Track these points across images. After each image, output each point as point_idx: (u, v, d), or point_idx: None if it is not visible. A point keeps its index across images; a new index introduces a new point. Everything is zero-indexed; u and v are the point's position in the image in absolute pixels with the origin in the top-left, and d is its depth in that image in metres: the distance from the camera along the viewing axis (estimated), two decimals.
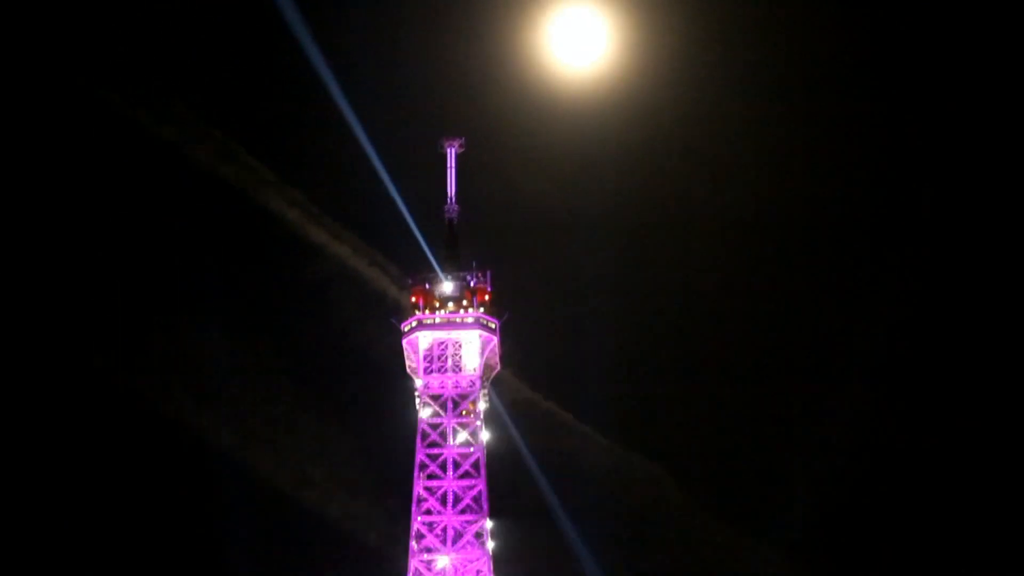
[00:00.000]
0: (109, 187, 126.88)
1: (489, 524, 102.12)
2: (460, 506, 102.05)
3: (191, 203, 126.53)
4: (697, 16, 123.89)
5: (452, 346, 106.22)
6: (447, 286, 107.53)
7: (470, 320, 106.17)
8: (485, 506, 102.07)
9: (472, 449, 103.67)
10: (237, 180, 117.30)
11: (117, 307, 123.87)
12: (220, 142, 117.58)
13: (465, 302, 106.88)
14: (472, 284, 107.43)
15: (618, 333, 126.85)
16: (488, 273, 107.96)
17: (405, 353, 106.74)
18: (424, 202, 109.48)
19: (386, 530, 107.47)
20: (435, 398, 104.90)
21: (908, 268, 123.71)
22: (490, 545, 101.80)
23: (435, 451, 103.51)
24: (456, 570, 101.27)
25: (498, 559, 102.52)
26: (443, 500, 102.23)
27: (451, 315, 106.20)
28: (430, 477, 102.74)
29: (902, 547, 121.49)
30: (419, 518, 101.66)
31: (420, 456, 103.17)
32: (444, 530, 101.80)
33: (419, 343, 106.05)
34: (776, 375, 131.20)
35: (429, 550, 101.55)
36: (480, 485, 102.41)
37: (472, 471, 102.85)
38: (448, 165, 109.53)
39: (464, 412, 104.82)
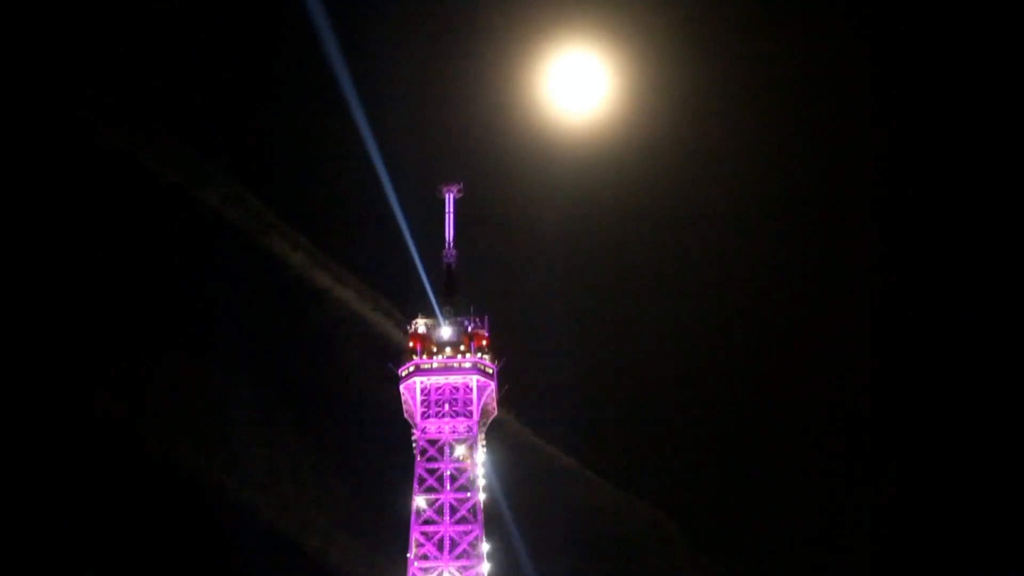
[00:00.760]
0: (115, 230, 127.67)
1: (486, 569, 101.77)
2: (457, 551, 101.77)
3: (196, 246, 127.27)
4: (696, 62, 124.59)
5: (449, 391, 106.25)
6: (445, 331, 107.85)
7: (468, 365, 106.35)
8: (482, 551, 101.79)
9: (469, 495, 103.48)
10: (242, 223, 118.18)
11: (120, 350, 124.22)
12: (225, 185, 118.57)
13: (463, 347, 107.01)
14: (470, 329, 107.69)
15: (620, 378, 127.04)
16: (486, 318, 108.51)
17: (402, 398, 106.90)
18: (428, 246, 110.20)
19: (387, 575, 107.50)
20: (432, 443, 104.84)
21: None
22: None
23: (432, 496, 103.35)
24: None
25: None
26: (439, 546, 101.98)
27: (448, 360, 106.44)
28: (427, 522, 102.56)
29: None
30: (416, 563, 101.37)
31: (416, 501, 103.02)
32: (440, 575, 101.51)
33: (416, 388, 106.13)
34: (782, 419, 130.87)
35: None
36: (477, 530, 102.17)
37: (469, 516, 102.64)
38: (446, 210, 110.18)
39: (461, 457, 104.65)
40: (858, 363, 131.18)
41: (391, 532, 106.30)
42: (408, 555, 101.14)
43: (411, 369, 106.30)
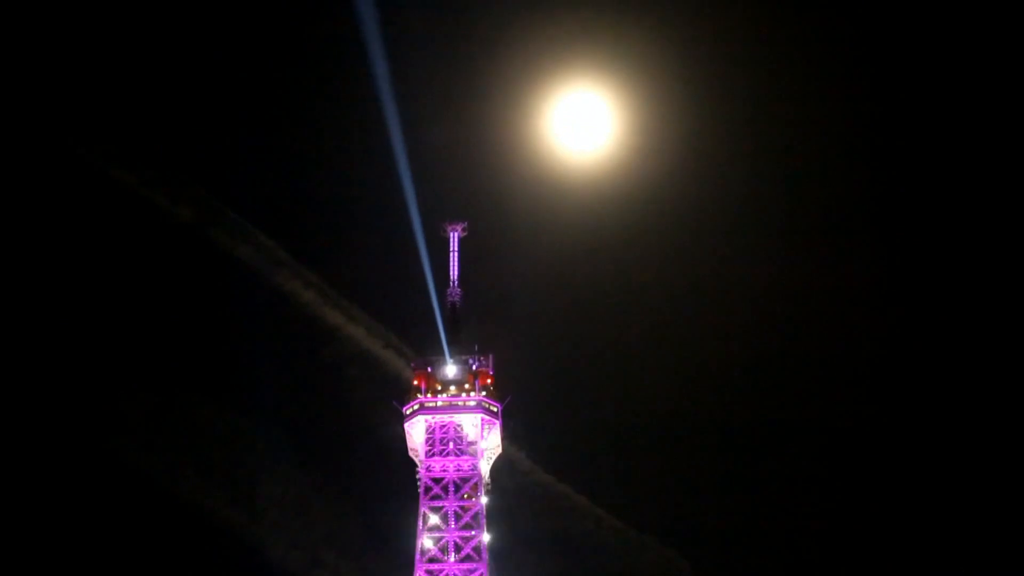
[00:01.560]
0: (125, 268, 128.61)
1: None
2: None
3: (208, 284, 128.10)
4: (699, 102, 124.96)
5: (454, 429, 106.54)
6: (450, 369, 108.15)
7: (472, 403, 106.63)
8: None
9: (474, 533, 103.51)
10: (253, 261, 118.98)
11: (131, 387, 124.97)
12: (236, 223, 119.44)
13: (467, 385, 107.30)
14: (474, 367, 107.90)
15: (629, 415, 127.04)
16: (491, 356, 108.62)
17: (407, 436, 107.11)
18: (439, 284, 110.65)
19: None
20: (437, 481, 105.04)
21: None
22: None
23: (437, 534, 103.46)
24: None
25: None
26: None
27: (453, 398, 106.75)
28: (432, 560, 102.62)
29: None
30: None
31: (421, 539, 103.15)
32: None
33: (421, 426, 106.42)
34: (795, 458, 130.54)
35: None
36: (481, 568, 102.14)
37: (474, 555, 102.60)
38: (451, 249, 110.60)
39: (466, 495, 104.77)
40: (872, 398, 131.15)
41: (399, 570, 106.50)
42: None
43: (416, 407, 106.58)
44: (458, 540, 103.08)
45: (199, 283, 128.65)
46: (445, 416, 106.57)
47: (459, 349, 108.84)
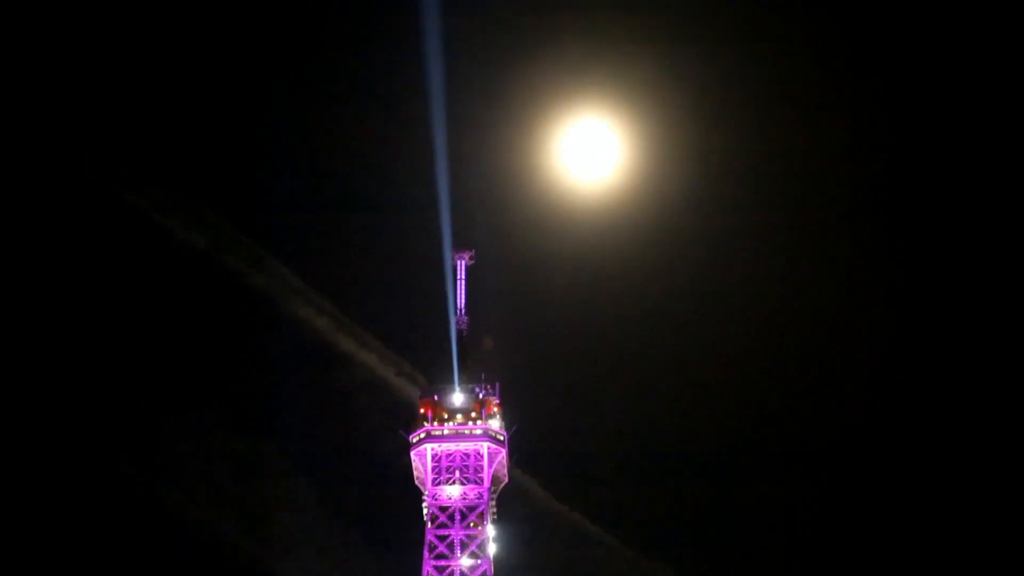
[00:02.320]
0: (139, 293, 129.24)
1: None
2: None
3: (220, 310, 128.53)
4: (707, 129, 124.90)
5: (460, 458, 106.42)
6: (456, 397, 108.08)
7: (478, 432, 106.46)
8: None
9: (480, 561, 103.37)
10: (266, 288, 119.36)
11: (143, 412, 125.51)
12: (250, 249, 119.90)
13: (474, 414, 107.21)
14: (481, 396, 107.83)
15: (642, 441, 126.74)
16: (497, 385, 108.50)
17: (413, 464, 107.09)
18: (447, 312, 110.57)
19: None
20: (443, 509, 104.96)
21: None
22: None
23: (442, 563, 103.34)
24: None
25: None
26: None
27: (459, 427, 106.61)
28: None
29: None
30: None
31: (427, 568, 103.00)
32: None
33: (427, 454, 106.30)
34: (809, 481, 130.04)
35: None
36: None
37: None
38: (458, 277, 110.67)
39: (472, 524, 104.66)
40: (879, 421, 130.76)
41: None
42: None
43: (422, 436, 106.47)
44: (464, 569, 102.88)
45: (214, 310, 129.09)
46: (451, 445, 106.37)
47: (466, 377, 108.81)
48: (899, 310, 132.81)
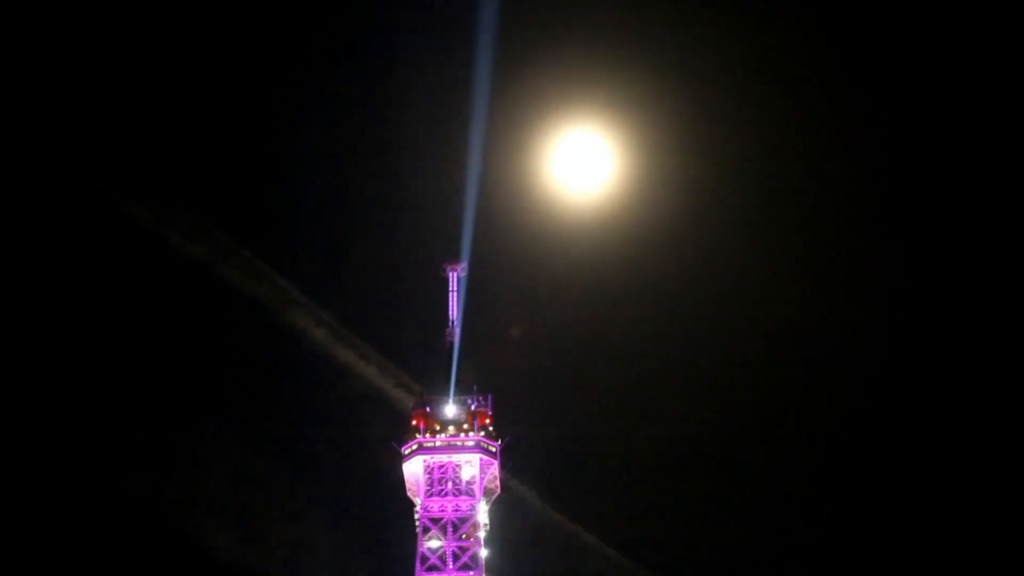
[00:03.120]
0: (138, 304, 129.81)
1: None
2: None
3: (219, 321, 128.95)
4: (700, 141, 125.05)
5: (452, 469, 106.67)
6: (449, 409, 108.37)
7: (470, 443, 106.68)
8: None
9: (472, 573, 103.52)
10: (265, 299, 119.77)
11: (143, 425, 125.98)
12: (248, 261, 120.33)
13: (466, 425, 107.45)
14: (473, 407, 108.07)
15: (639, 452, 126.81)
16: (489, 396, 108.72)
17: (405, 476, 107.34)
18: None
19: None
20: (435, 521, 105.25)
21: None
22: None
23: (435, 574, 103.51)
24: None
25: None
26: None
27: (451, 438, 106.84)
28: None
29: None
30: None
31: None
32: None
33: (419, 466, 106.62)
34: (796, 486, 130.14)
35: None
36: None
37: None
38: (450, 289, 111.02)
39: (464, 536, 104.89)
40: (872, 428, 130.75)
41: None
42: None
43: (414, 447, 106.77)
44: None
45: (213, 321, 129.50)
46: (443, 456, 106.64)
47: (459, 389, 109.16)
48: (898, 315, 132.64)
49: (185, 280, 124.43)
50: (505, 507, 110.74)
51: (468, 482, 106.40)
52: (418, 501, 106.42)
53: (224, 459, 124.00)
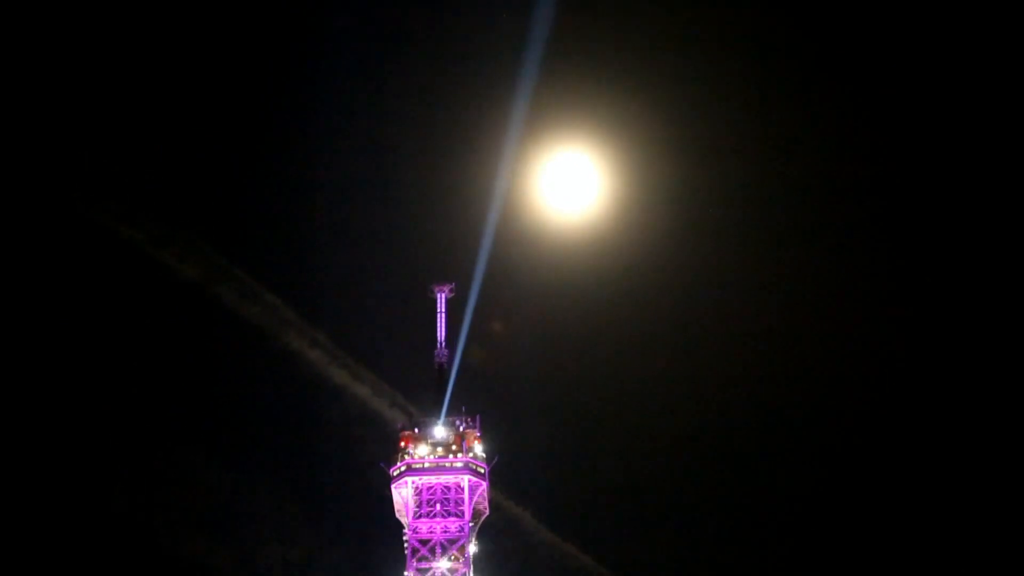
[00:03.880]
0: (131, 327, 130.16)
1: None
2: None
3: (213, 343, 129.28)
4: (687, 161, 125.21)
5: (441, 491, 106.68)
6: (437, 430, 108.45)
7: (459, 465, 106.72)
8: None
9: None
10: (259, 320, 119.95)
11: (136, 447, 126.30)
12: (242, 282, 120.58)
13: (454, 446, 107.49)
14: (462, 428, 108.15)
15: (631, 471, 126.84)
16: (478, 417, 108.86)
17: (394, 497, 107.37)
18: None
19: None
20: (424, 543, 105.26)
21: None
22: None
23: None
24: None
25: None
26: None
27: (440, 460, 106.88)
28: None
29: None
30: None
31: None
32: None
33: (408, 487, 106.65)
34: (795, 504, 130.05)
35: None
36: None
37: None
38: (438, 310, 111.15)
39: (453, 557, 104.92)
40: (872, 431, 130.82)
41: None
42: None
43: (402, 468, 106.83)
44: None
45: (205, 342, 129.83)
46: (432, 477, 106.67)
47: (447, 409, 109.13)
48: (897, 316, 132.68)
49: (179, 301, 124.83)
50: (498, 527, 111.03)
51: (457, 503, 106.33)
52: (407, 522, 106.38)
53: (217, 479, 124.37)
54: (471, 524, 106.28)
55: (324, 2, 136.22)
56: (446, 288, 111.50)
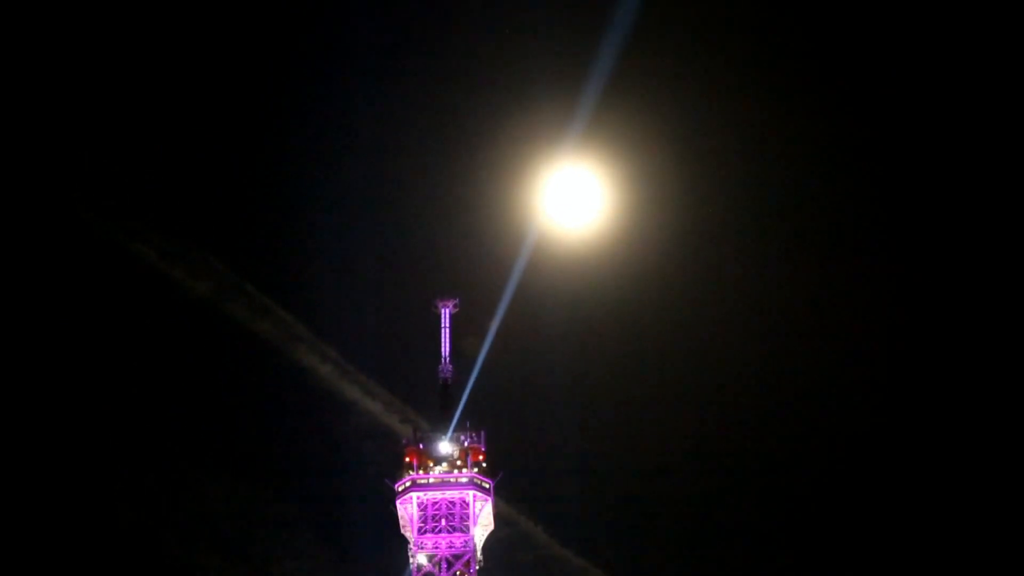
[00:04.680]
0: (143, 343, 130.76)
1: None
2: None
3: (224, 358, 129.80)
4: (690, 175, 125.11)
5: (446, 506, 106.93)
6: (442, 446, 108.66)
7: (464, 480, 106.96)
8: None
9: None
10: (270, 336, 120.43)
11: (147, 461, 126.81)
12: (253, 298, 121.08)
13: (459, 462, 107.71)
14: (466, 444, 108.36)
15: (642, 484, 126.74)
16: (482, 433, 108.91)
17: (399, 513, 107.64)
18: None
19: None
20: (429, 558, 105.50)
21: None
22: None
23: None
24: None
25: None
26: None
27: (445, 475, 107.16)
28: None
29: None
30: None
31: None
32: None
33: (413, 503, 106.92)
34: (799, 511, 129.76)
35: None
36: None
37: None
38: (443, 326, 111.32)
39: (458, 572, 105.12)
40: (872, 435, 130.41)
41: None
42: None
43: (407, 484, 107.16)
44: None
45: (216, 358, 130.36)
46: (437, 493, 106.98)
47: (453, 425, 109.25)
48: (896, 317, 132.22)
49: (190, 317, 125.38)
50: (510, 541, 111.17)
51: (462, 518, 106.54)
52: (412, 537, 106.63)
53: (226, 494, 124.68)
54: (476, 539, 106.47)
55: (340, 13, 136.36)
56: (450, 304, 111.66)
